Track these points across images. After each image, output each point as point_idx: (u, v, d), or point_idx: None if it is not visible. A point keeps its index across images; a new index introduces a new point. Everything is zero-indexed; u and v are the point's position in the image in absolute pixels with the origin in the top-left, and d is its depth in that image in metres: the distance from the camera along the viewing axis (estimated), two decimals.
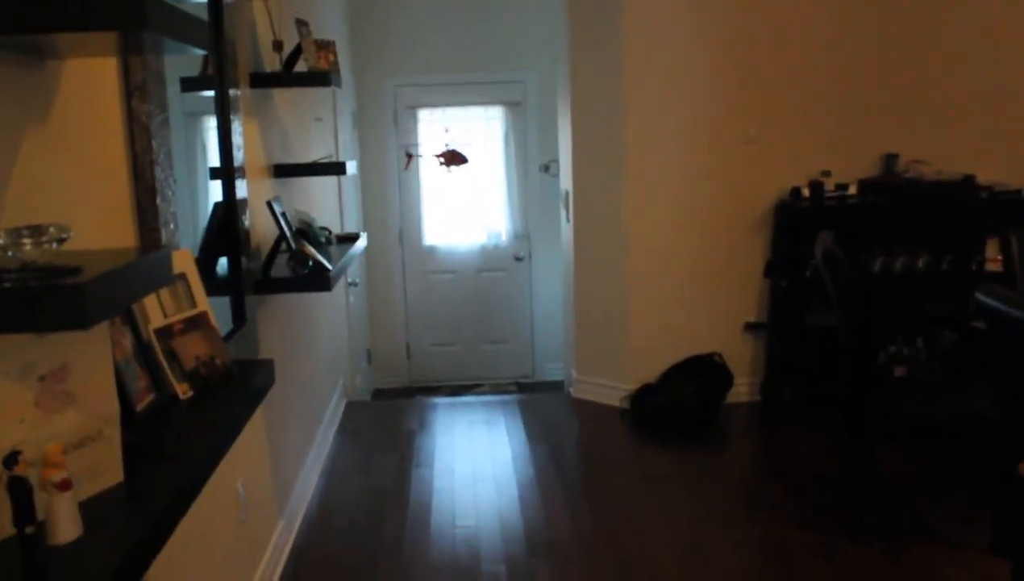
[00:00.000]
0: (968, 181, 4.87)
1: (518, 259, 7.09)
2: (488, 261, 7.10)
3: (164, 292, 2.01)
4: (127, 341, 1.80)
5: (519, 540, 3.57)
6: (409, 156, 6.82)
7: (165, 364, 1.91)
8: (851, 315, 3.32)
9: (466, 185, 6.96)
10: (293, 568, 3.38)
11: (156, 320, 1.94)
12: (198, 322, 2.07)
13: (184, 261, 2.08)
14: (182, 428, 1.81)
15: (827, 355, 4.90)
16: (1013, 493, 2.83)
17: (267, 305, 3.41)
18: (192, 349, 2.02)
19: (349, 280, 5.87)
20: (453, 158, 6.50)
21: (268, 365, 2.34)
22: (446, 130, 6.89)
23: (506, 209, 7.05)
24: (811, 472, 4.25)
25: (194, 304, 2.10)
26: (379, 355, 7.03)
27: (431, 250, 7.07)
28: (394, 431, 4.93)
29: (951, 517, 3.70)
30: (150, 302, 1.94)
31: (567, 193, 5.39)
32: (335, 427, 4.92)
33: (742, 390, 5.20)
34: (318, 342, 4.61)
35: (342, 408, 5.26)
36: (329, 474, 4.29)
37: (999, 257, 4.81)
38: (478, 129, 6.96)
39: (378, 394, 6.79)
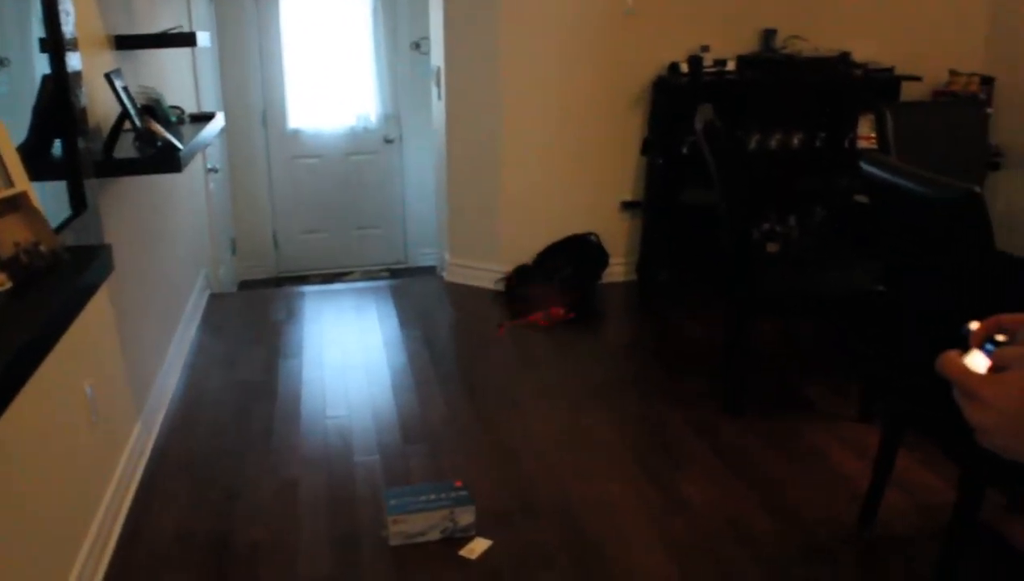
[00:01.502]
0: (844, 58, 4.85)
1: (388, 141, 6.82)
2: (357, 144, 6.79)
3: None
4: None
5: (393, 429, 3.46)
6: None
7: None
8: (730, 188, 3.25)
9: (332, 64, 6.59)
10: (154, 469, 3.19)
11: None
12: (16, 203, 1.82)
13: None
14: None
15: (703, 233, 4.90)
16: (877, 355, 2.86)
17: (114, 190, 3.12)
18: (10, 234, 1.77)
19: (209, 165, 5.51)
20: None
21: (105, 251, 2.10)
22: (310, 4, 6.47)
23: (375, 90, 6.72)
24: (688, 350, 4.26)
25: (11, 184, 1.84)
26: (244, 245, 6.70)
27: (296, 133, 6.71)
28: (260, 322, 4.71)
29: (824, 389, 3.77)
30: None
31: (439, 70, 5.14)
32: (197, 320, 4.66)
33: (618, 269, 5.16)
34: (175, 231, 4.31)
35: (205, 300, 4.99)
36: (192, 370, 4.06)
37: (871, 135, 4.85)
38: (344, 4, 6.55)
39: (244, 285, 6.50)
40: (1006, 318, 0.98)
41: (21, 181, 1.86)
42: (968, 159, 3.95)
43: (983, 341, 0.93)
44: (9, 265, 1.72)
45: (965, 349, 0.94)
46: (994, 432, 0.86)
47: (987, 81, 5.09)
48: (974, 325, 0.96)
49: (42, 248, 1.82)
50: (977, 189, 1.98)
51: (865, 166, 2.32)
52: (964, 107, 4.53)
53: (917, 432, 3.21)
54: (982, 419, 0.88)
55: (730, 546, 2.70)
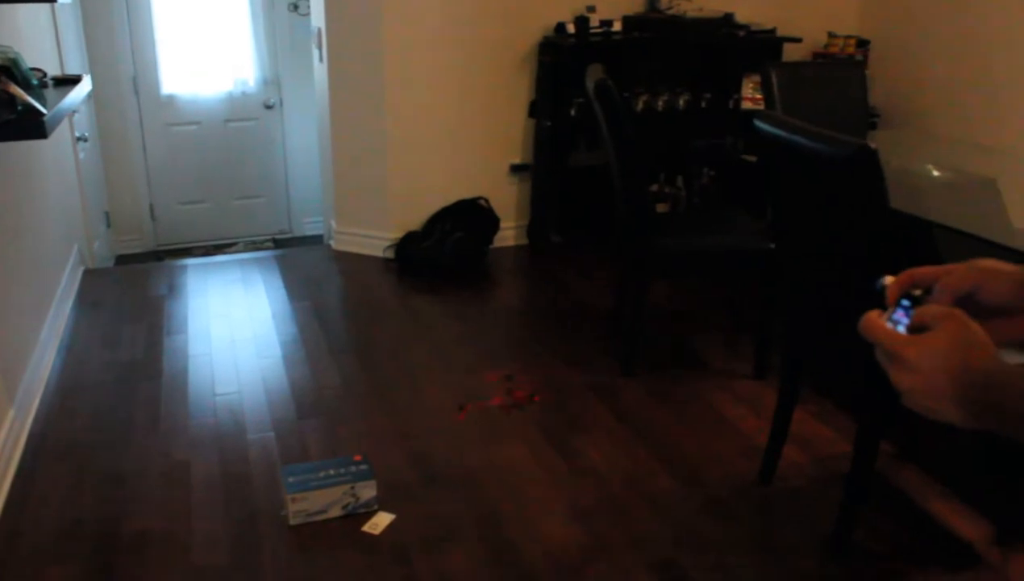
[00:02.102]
0: (727, 19, 4.89)
1: (268, 107, 6.58)
2: (236, 110, 6.53)
3: None
4: None
5: (287, 403, 3.35)
6: None
7: None
8: (623, 147, 3.23)
9: (207, 26, 6.31)
10: (32, 459, 3.00)
11: None
12: None
13: None
14: None
15: (593, 195, 4.91)
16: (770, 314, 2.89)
17: None
18: None
19: (77, 134, 5.22)
20: None
21: None
22: None
23: (253, 53, 6.46)
24: (582, 312, 4.26)
25: None
26: (119, 218, 6.39)
27: (171, 99, 6.40)
28: (140, 298, 4.50)
29: (718, 348, 3.82)
30: None
31: (319, 31, 4.97)
32: (72, 298, 4.42)
33: (509, 233, 5.13)
34: (43, 204, 4.05)
35: (79, 277, 4.73)
36: (68, 351, 3.84)
37: (756, 95, 4.93)
38: None
39: (121, 259, 6.21)
40: (919, 272, 0.97)
41: None
42: (850, 119, 4.05)
43: (899, 297, 0.92)
44: None
45: (882, 306, 0.93)
46: (919, 393, 0.86)
47: (863, 43, 5.23)
48: (888, 279, 0.95)
49: None
50: (872, 145, 2.00)
51: (759, 124, 2.33)
52: (845, 68, 4.64)
53: (812, 388, 3.31)
54: (907, 381, 0.87)
55: (634, 507, 2.71)
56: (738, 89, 5.03)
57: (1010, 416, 0.80)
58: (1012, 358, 0.85)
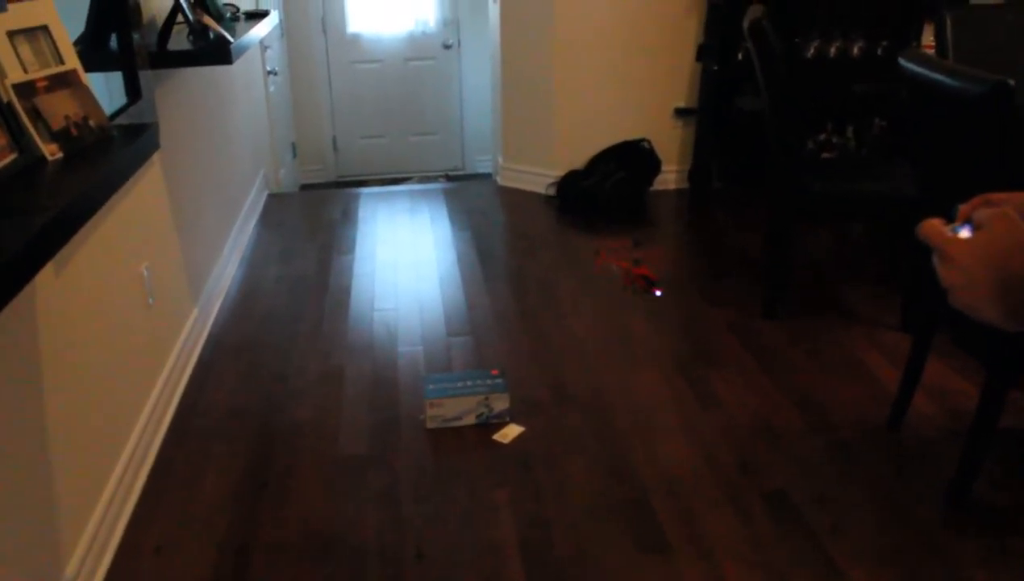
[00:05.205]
0: None
1: (447, 47, 6.82)
2: (416, 49, 6.81)
3: (24, 47, 1.84)
4: None
5: (438, 322, 3.57)
6: None
7: (28, 122, 1.77)
8: (775, 88, 3.23)
9: None
10: (210, 353, 3.35)
11: (16, 75, 1.78)
12: (66, 80, 1.91)
13: (43, 12, 1.90)
14: (50, 188, 1.70)
15: (756, 141, 4.86)
16: (914, 263, 2.83)
17: (171, 84, 3.22)
18: (61, 108, 1.87)
19: (269, 68, 5.59)
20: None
21: (152, 128, 2.20)
22: None
23: None
24: (735, 256, 4.27)
25: (61, 61, 1.93)
26: (305, 148, 6.82)
27: (356, 38, 6.74)
28: (316, 221, 4.84)
29: (867, 297, 3.77)
30: (5, 55, 1.77)
31: None
32: (256, 217, 4.80)
33: (670, 177, 5.16)
34: (234, 130, 4.42)
35: (264, 199, 5.12)
36: (248, 263, 4.21)
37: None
38: None
39: (305, 188, 6.64)
40: (994, 196, 0.99)
41: (71, 59, 1.95)
42: None
43: (969, 215, 0.95)
44: (60, 137, 1.82)
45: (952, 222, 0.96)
46: (961, 290, 0.88)
47: None
48: (964, 206, 0.99)
49: (91, 123, 1.93)
50: (1010, 81, 1.96)
51: (903, 63, 2.30)
52: None
53: (950, 340, 3.22)
54: (951, 278, 0.90)
55: (756, 441, 2.76)
56: (919, 36, 4.83)
57: None
58: None
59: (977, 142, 2.17)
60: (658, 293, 3.42)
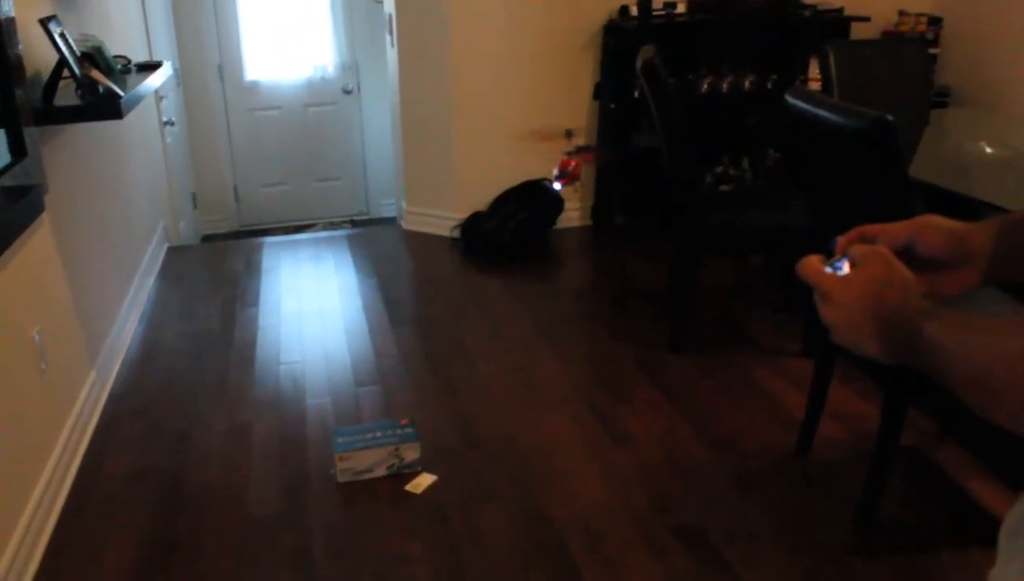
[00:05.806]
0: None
1: (347, 92, 6.80)
2: (315, 95, 6.77)
3: None
4: None
5: (345, 372, 3.52)
6: None
7: None
8: (670, 126, 3.30)
9: (288, 14, 6.54)
10: (109, 417, 3.24)
11: None
12: None
13: None
14: None
15: (656, 176, 4.96)
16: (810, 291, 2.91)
17: (61, 141, 3.14)
18: None
19: (165, 119, 5.49)
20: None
21: (36, 189, 2.13)
22: None
23: (332, 40, 6.69)
24: (639, 290, 4.33)
25: None
26: (205, 198, 6.70)
27: (254, 85, 6.68)
28: (218, 273, 4.74)
29: (768, 326, 3.86)
30: None
31: (390, 16, 5.13)
32: (155, 272, 4.68)
33: (574, 214, 5.22)
34: (130, 183, 4.31)
35: (163, 253, 5.01)
36: (149, 320, 4.10)
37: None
38: None
39: (207, 239, 6.51)
40: (868, 228, 1.03)
41: None
42: (911, 98, 4.01)
43: (845, 250, 0.98)
44: None
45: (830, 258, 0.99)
46: (841, 327, 0.90)
47: (935, 21, 5.15)
48: (841, 238, 1.02)
49: None
50: (889, 117, 2.03)
51: (789, 99, 2.38)
52: (907, 46, 4.58)
53: (856, 366, 3.31)
54: (831, 316, 0.92)
55: (668, 477, 2.79)
56: (805, 70, 5.01)
57: (922, 355, 0.83)
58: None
59: (860, 175, 2.25)
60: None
